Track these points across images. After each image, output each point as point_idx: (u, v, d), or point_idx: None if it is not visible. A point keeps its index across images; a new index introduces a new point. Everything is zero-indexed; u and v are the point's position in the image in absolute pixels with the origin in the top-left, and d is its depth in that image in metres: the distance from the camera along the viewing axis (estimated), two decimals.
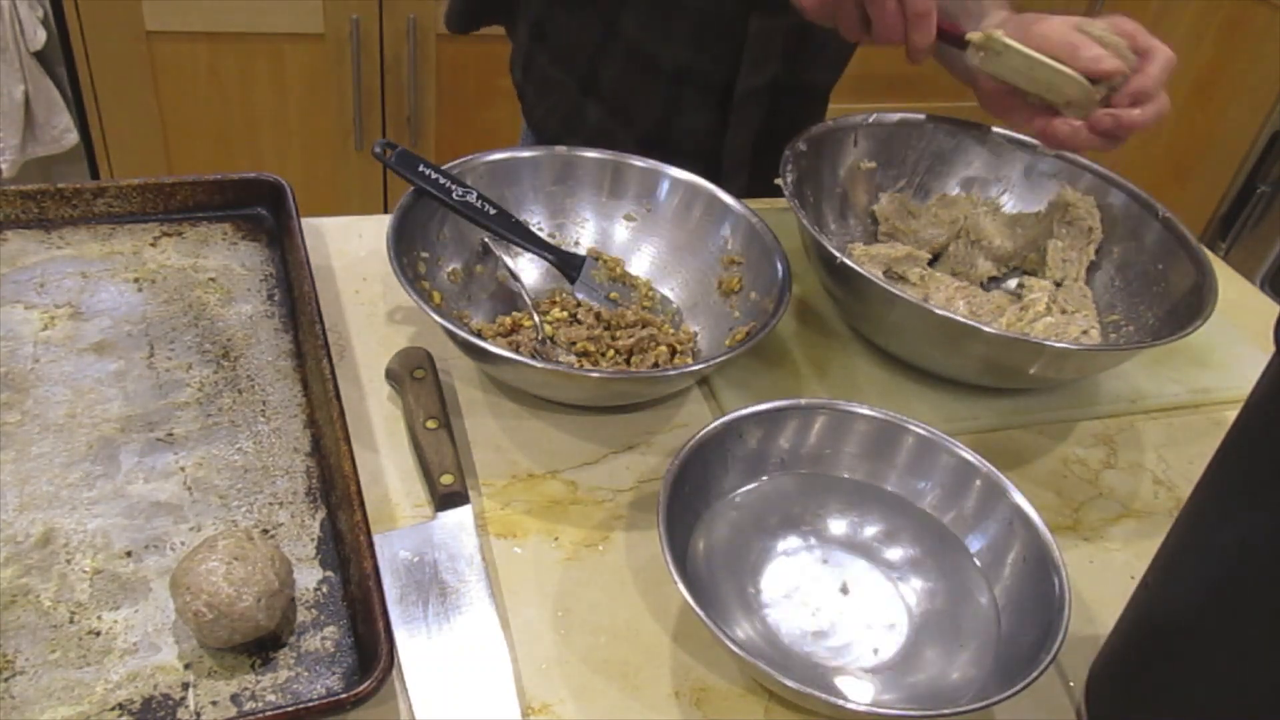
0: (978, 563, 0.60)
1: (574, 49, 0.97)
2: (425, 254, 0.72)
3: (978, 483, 0.61)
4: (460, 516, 0.60)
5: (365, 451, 0.64)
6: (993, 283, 0.87)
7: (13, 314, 0.68)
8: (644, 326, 0.73)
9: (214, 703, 0.49)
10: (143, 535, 0.56)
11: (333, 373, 0.62)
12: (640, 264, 0.80)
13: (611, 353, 0.72)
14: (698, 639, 0.57)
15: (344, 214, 0.84)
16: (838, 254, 0.69)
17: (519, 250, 0.76)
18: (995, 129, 0.88)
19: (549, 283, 0.78)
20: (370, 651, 0.50)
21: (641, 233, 0.80)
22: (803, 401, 0.63)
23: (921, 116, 0.88)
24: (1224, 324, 0.87)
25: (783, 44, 0.95)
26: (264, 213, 0.79)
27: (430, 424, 0.64)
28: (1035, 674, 0.49)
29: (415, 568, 0.57)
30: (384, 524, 0.60)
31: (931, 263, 0.86)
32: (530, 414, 0.69)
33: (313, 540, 0.57)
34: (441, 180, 0.72)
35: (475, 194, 0.72)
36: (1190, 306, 0.73)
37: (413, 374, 0.67)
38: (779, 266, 0.72)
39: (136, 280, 0.72)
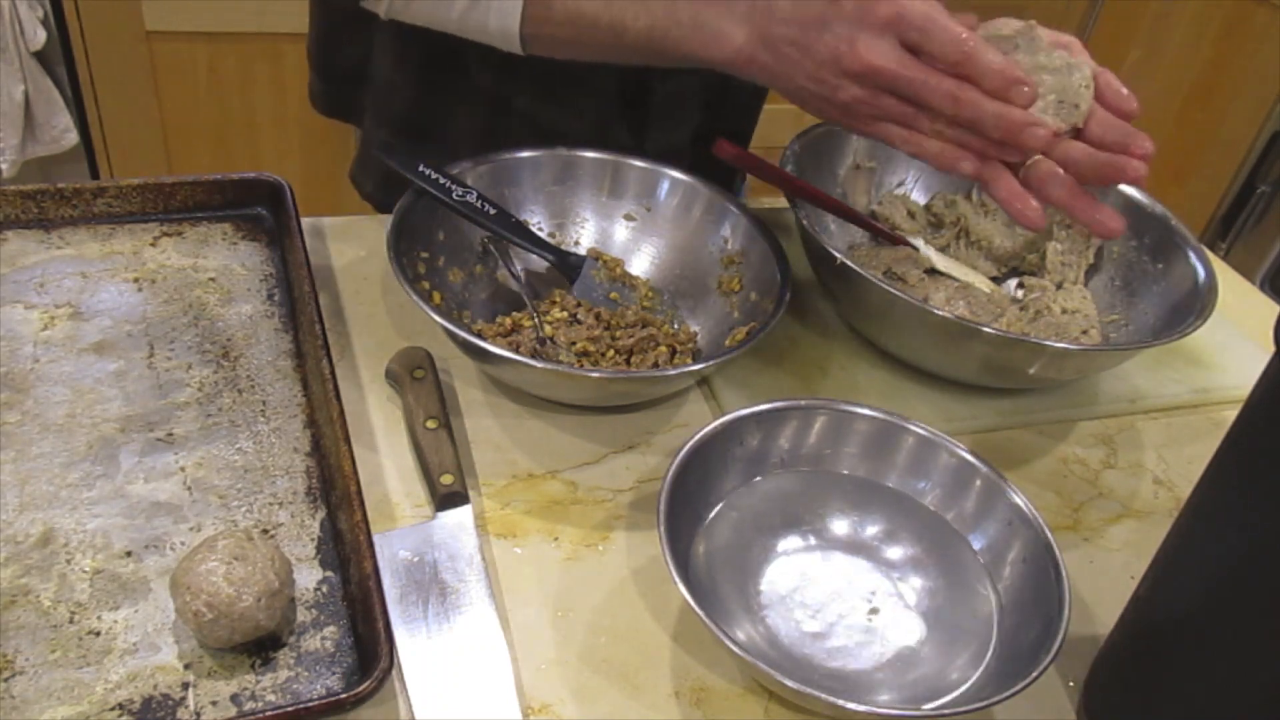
0: (980, 560, 0.60)
1: (459, 137, 0.89)
2: (425, 254, 0.72)
3: (978, 483, 0.61)
4: (460, 516, 0.60)
5: (365, 451, 0.64)
6: (993, 282, 0.87)
7: (13, 314, 0.68)
8: (644, 326, 0.73)
9: (214, 703, 0.49)
10: (143, 535, 0.56)
11: (333, 373, 0.62)
12: (640, 264, 0.80)
13: (611, 353, 0.72)
14: (698, 639, 0.57)
15: (344, 214, 0.84)
16: (837, 254, 0.69)
17: (519, 250, 0.76)
18: None
19: (549, 283, 0.78)
20: (370, 651, 0.50)
21: (641, 233, 0.80)
22: (803, 401, 0.63)
23: None
24: (1224, 324, 0.87)
25: (701, 100, 0.90)
26: (264, 213, 0.79)
27: (430, 424, 0.64)
28: (1035, 674, 0.50)
29: (415, 568, 0.57)
30: (384, 524, 0.60)
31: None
32: (530, 414, 0.69)
33: (313, 540, 0.57)
34: (441, 180, 0.72)
35: (475, 194, 0.72)
36: (1190, 306, 0.73)
37: (413, 374, 0.67)
38: (779, 266, 0.72)
39: (136, 280, 0.72)
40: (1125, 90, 0.66)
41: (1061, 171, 0.64)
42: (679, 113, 0.90)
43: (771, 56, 0.65)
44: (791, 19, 0.63)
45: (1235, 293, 0.94)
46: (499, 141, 0.84)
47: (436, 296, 0.71)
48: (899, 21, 0.61)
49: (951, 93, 0.61)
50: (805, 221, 0.72)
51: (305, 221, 0.77)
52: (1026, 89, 0.61)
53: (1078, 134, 0.65)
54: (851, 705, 0.49)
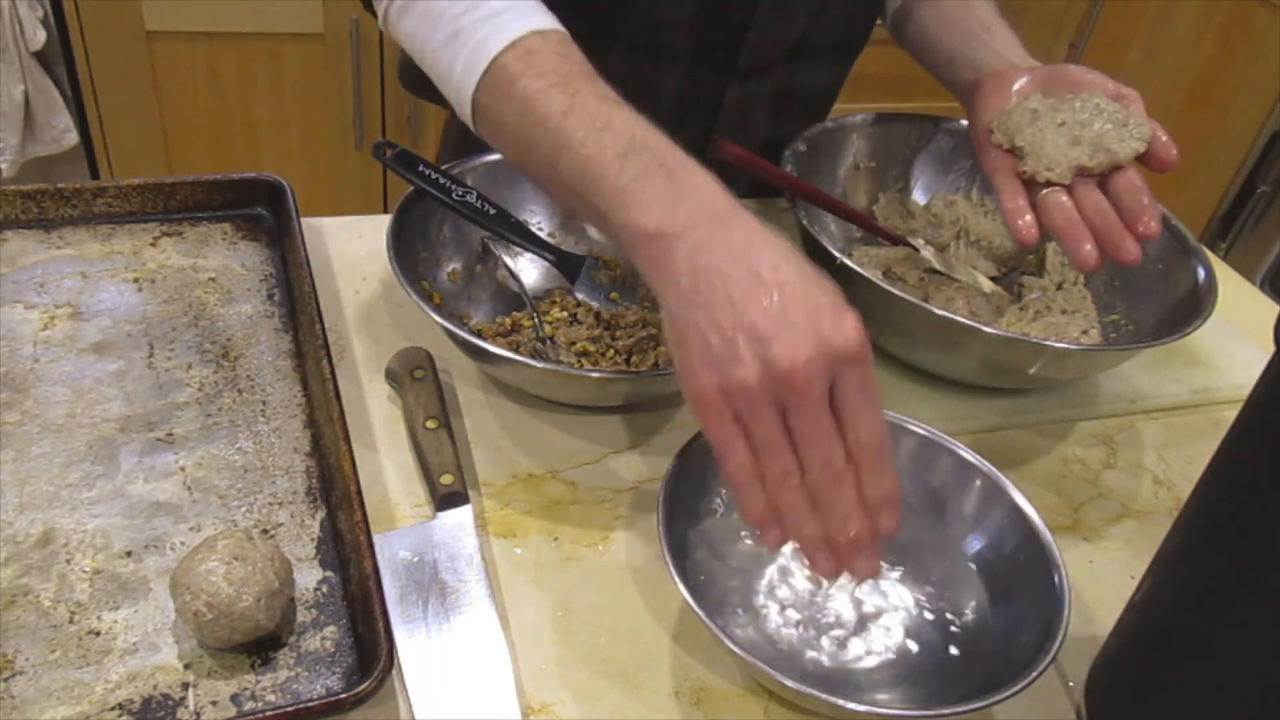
0: (976, 563, 0.60)
1: None
2: (425, 254, 0.72)
3: (978, 483, 0.61)
4: (460, 516, 0.60)
5: (365, 451, 0.64)
6: (993, 282, 0.87)
7: (13, 314, 0.68)
8: (644, 326, 0.73)
9: (214, 703, 0.49)
10: (143, 535, 0.56)
11: (333, 373, 0.62)
12: None
13: (611, 353, 0.72)
14: (698, 639, 0.57)
15: (344, 214, 0.84)
16: (838, 255, 0.69)
17: (519, 250, 0.76)
18: None
19: (549, 283, 0.78)
20: (370, 651, 0.50)
21: None
22: None
23: (921, 116, 0.88)
24: (1224, 324, 0.87)
25: (769, 110, 0.90)
26: (264, 213, 0.79)
27: (430, 424, 0.64)
28: (1035, 674, 0.49)
29: (415, 568, 0.57)
30: (384, 524, 0.60)
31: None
32: (530, 414, 0.69)
33: (313, 540, 0.57)
34: (441, 180, 0.72)
35: (475, 194, 0.72)
36: (1190, 306, 0.73)
37: (413, 374, 0.67)
38: None
39: (136, 280, 0.72)
40: (1167, 140, 0.70)
41: (1068, 203, 0.68)
42: (744, 122, 0.89)
43: (690, 278, 0.48)
44: (738, 259, 0.47)
45: (1235, 293, 0.94)
46: None
47: (436, 296, 0.71)
48: (847, 360, 0.46)
49: (833, 465, 0.47)
50: (805, 221, 0.72)
51: (305, 221, 0.77)
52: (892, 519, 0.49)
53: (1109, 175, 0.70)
54: (851, 705, 0.49)
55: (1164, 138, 0.70)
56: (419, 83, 0.99)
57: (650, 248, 0.50)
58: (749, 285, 0.47)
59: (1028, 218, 0.69)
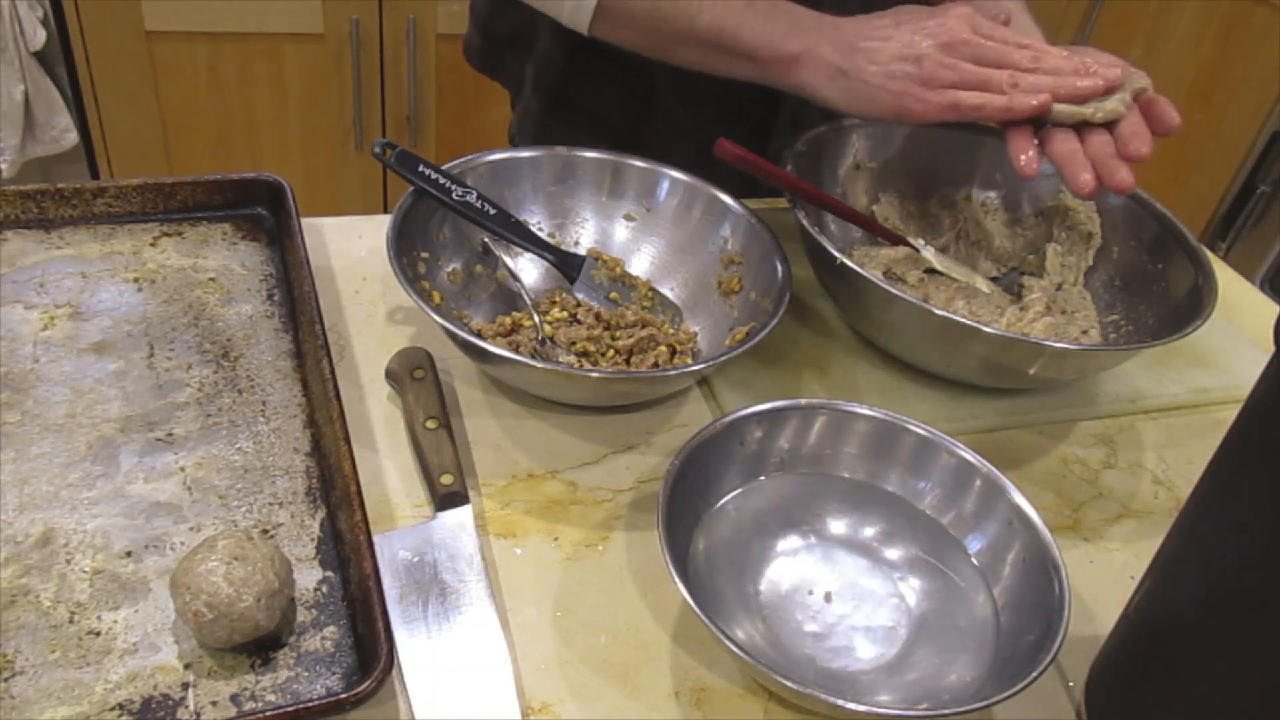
0: (976, 563, 0.60)
1: (609, 112, 0.94)
2: (425, 254, 0.72)
3: (977, 483, 0.61)
4: (460, 516, 0.60)
5: (365, 451, 0.64)
6: (993, 282, 0.87)
7: (13, 314, 0.68)
8: (644, 326, 0.73)
9: (214, 703, 0.49)
10: (142, 535, 0.56)
11: (332, 373, 0.62)
12: (640, 264, 0.80)
13: (611, 353, 0.72)
14: (698, 639, 0.57)
15: (344, 214, 0.84)
16: (838, 255, 0.69)
17: (519, 250, 0.76)
18: (995, 129, 0.88)
19: (549, 283, 0.78)
20: (370, 651, 0.50)
21: (641, 233, 0.80)
22: (803, 401, 0.63)
23: None
24: (1224, 324, 0.87)
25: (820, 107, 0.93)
26: (264, 213, 0.79)
27: (430, 424, 0.64)
28: (1035, 674, 0.50)
29: (415, 568, 0.57)
30: (384, 524, 0.60)
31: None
32: (530, 414, 0.69)
33: (313, 540, 0.57)
34: (441, 180, 0.72)
35: (475, 194, 0.72)
36: (1190, 306, 0.73)
37: (413, 374, 0.67)
38: (779, 266, 0.72)
39: (136, 280, 0.72)
40: (1169, 110, 0.72)
41: (1071, 135, 0.70)
42: (804, 114, 0.91)
43: (840, 55, 0.71)
44: (864, 23, 0.72)
45: (1235, 293, 0.94)
46: (638, 125, 0.92)
47: (436, 296, 0.71)
48: (973, 24, 0.71)
49: (1030, 54, 0.70)
50: (805, 221, 0.72)
51: (305, 221, 0.77)
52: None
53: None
54: (851, 705, 0.49)
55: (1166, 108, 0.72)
56: (488, 62, 1.02)
57: (804, 58, 0.71)
58: (883, 31, 0.71)
59: (1030, 153, 0.70)
